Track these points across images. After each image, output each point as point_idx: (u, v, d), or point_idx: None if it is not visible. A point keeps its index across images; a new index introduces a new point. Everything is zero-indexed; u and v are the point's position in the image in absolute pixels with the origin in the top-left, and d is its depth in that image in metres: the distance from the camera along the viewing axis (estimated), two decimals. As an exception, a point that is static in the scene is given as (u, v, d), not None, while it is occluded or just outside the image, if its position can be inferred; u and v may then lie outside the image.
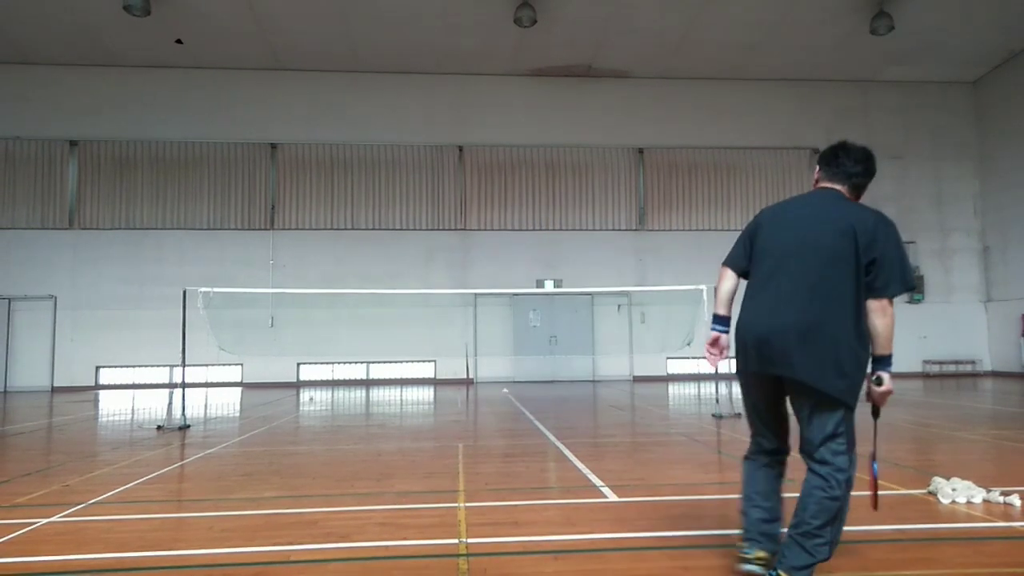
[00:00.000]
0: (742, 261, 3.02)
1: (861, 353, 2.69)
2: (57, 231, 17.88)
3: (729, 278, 3.06)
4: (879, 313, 2.67)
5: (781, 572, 2.67)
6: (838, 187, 2.91)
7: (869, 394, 2.78)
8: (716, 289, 3.13)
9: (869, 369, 2.75)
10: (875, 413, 2.85)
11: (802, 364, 2.67)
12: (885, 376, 2.73)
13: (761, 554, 2.87)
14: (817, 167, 3.02)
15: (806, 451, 2.78)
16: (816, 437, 2.72)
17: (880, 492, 3.04)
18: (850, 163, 2.91)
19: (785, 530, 2.80)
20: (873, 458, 2.90)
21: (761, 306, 2.83)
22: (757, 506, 2.95)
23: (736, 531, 3.49)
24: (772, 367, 2.75)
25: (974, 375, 19.04)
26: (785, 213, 2.95)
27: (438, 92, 18.88)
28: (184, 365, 9.46)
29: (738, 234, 3.10)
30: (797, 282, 2.75)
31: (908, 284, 2.69)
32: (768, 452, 2.98)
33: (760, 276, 2.91)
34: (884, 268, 2.66)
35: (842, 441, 2.70)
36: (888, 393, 2.76)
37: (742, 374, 2.96)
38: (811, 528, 2.64)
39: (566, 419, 9.54)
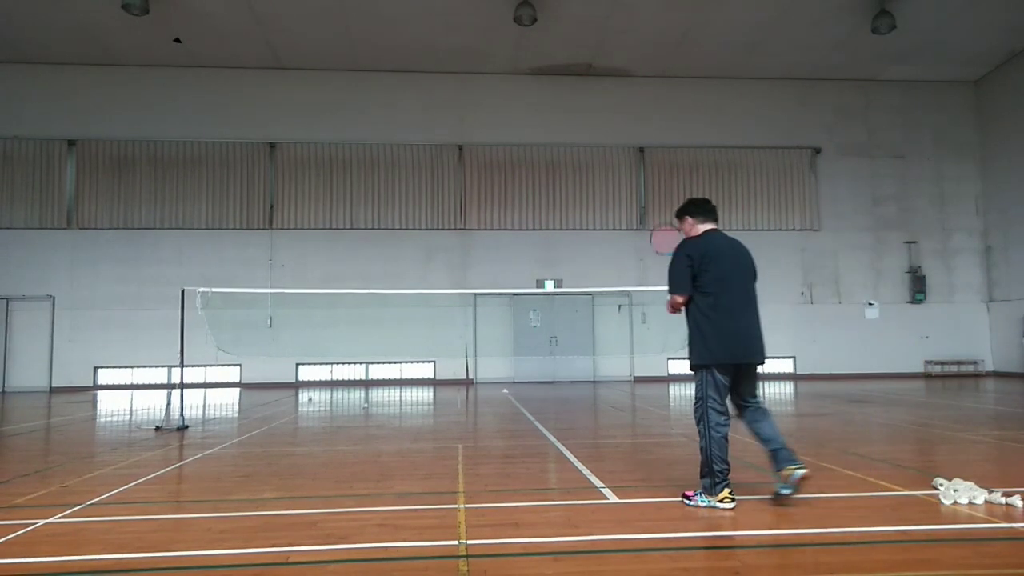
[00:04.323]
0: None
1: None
2: (55, 231, 17.85)
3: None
4: None
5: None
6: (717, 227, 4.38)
7: None
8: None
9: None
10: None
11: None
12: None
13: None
14: (689, 217, 4.34)
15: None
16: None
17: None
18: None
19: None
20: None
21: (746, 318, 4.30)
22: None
23: (736, 532, 3.56)
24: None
25: (976, 375, 19.02)
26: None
27: (438, 91, 18.85)
28: (182, 365, 9.45)
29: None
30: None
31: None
32: None
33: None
34: None
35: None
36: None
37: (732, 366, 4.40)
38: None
39: (566, 420, 9.53)
